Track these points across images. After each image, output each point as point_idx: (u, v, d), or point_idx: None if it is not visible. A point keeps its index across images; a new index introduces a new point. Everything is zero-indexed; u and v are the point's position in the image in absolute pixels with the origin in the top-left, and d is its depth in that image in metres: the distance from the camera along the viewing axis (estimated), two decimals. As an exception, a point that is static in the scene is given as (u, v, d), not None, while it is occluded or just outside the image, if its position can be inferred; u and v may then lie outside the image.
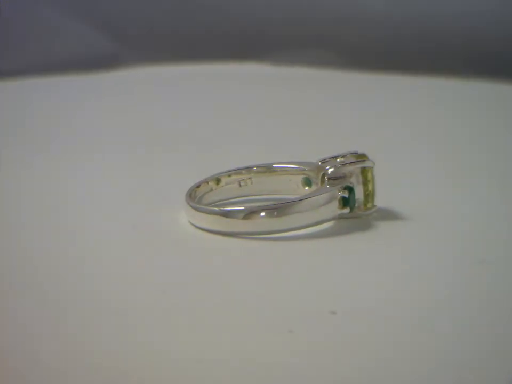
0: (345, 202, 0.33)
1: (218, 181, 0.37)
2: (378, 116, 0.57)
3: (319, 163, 0.34)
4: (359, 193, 0.33)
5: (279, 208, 0.33)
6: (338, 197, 0.33)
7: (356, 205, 0.33)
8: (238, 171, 0.37)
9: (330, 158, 0.34)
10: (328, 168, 0.33)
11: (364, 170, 0.33)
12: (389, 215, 0.34)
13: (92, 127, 0.55)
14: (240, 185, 0.37)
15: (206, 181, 0.37)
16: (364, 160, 0.33)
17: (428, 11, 0.76)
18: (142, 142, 0.51)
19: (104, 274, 0.30)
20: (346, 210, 0.33)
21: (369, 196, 0.33)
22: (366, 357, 0.24)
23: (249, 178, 0.37)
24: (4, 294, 0.29)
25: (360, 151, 0.34)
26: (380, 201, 0.34)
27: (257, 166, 0.37)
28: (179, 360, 0.24)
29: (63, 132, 0.53)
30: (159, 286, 0.29)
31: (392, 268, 0.30)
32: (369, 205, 0.34)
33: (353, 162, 0.33)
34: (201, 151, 0.48)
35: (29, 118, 0.58)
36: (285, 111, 0.59)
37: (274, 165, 0.37)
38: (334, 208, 0.33)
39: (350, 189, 0.33)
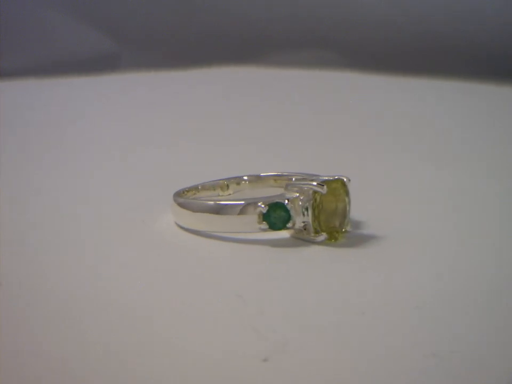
0: (264, 217, 0.32)
1: (227, 187, 0.37)
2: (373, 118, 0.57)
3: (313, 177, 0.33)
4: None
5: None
6: (258, 210, 0.32)
7: (295, 225, 0.32)
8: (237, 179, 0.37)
9: (322, 175, 0.33)
10: (288, 183, 0.33)
11: (315, 195, 0.31)
12: (359, 238, 0.32)
13: (90, 126, 0.55)
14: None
15: (212, 187, 0.37)
16: (314, 184, 0.31)
17: (429, 12, 0.76)
18: (141, 143, 0.51)
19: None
20: (265, 226, 0.31)
21: (318, 222, 0.32)
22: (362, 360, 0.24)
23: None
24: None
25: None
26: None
27: (248, 175, 0.37)
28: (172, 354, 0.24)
29: (62, 132, 0.54)
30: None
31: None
32: (317, 230, 0.32)
33: (304, 183, 0.32)
34: (200, 153, 0.48)
35: (29, 118, 0.58)
36: (289, 114, 0.59)
37: (262, 174, 0.37)
38: (252, 221, 0.32)
39: (276, 206, 0.31)
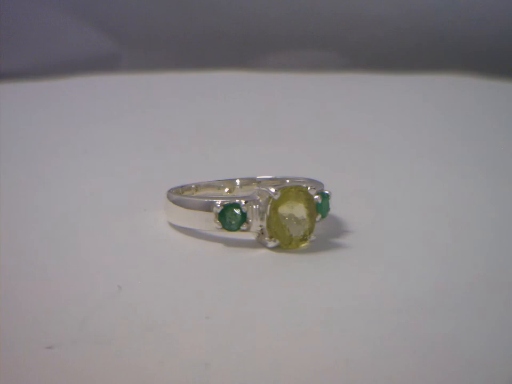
0: (219, 217, 0.31)
1: (232, 188, 0.37)
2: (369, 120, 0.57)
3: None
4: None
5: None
6: (214, 209, 0.31)
7: (251, 228, 0.31)
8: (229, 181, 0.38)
9: (317, 180, 0.33)
10: (258, 186, 0.33)
11: (272, 201, 0.31)
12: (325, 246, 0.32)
13: (90, 126, 0.55)
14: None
15: (215, 186, 0.37)
16: (271, 191, 0.31)
17: (428, 10, 0.76)
18: (141, 143, 0.51)
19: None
20: (219, 225, 0.31)
21: (271, 228, 0.31)
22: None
23: None
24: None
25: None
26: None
27: (240, 178, 0.38)
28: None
29: (62, 132, 0.54)
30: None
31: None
32: (269, 236, 0.32)
33: (263, 188, 0.31)
34: (200, 153, 0.48)
35: (29, 118, 0.58)
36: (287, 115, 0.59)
37: (257, 177, 0.37)
38: (209, 219, 0.32)
39: (232, 206, 0.31)
